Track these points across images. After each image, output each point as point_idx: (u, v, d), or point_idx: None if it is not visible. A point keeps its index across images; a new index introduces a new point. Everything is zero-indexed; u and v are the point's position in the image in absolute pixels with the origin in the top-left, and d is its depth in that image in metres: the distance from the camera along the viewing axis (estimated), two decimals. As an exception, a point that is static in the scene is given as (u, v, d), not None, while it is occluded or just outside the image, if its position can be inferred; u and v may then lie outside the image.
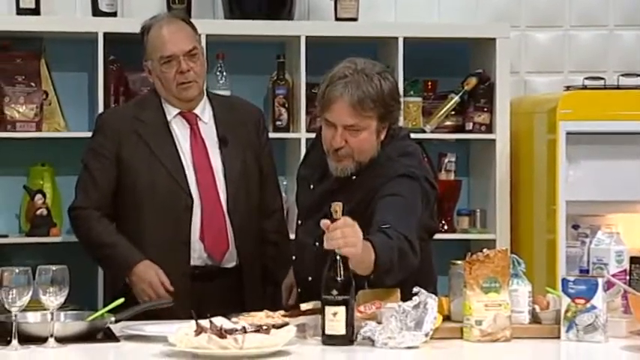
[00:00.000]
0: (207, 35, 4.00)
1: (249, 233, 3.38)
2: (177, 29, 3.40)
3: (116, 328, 2.76)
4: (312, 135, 4.16)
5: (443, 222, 4.31)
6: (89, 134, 4.08)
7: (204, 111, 3.42)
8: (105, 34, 4.01)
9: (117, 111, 3.66)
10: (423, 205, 2.99)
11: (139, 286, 3.23)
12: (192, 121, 3.40)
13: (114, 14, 4.13)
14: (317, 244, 2.90)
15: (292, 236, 3.36)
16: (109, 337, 2.72)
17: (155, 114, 3.39)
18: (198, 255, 3.31)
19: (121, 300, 2.85)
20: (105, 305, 2.95)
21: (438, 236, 4.23)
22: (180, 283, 3.25)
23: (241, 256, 3.35)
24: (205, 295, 3.25)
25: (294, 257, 3.19)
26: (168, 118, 3.39)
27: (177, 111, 3.39)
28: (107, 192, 3.35)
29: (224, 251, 3.33)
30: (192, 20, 4.12)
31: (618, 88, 4.04)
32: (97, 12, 4.11)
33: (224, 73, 4.11)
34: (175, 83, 3.35)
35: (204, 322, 2.52)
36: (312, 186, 3.13)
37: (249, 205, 3.40)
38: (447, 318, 2.79)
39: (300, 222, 3.18)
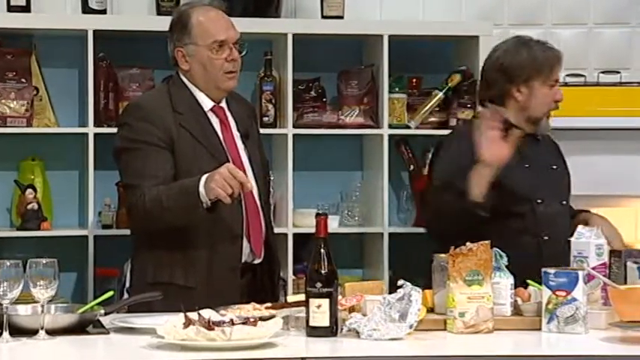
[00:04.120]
0: (195, 32, 3.99)
1: (270, 228, 3.32)
2: (223, 16, 3.26)
3: (106, 321, 2.75)
4: (300, 131, 4.19)
5: (427, 216, 4.32)
6: (79, 130, 4.11)
7: (225, 105, 3.31)
8: (94, 31, 4.00)
9: (153, 100, 3.29)
10: None
11: (212, 185, 2.96)
12: (221, 115, 3.28)
13: (103, 12, 4.12)
14: (564, 202, 3.42)
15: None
16: (99, 329, 2.71)
17: (190, 105, 3.23)
18: (244, 251, 3.21)
19: (111, 293, 2.84)
20: (95, 298, 2.94)
21: (422, 230, 4.28)
22: (231, 278, 3.14)
23: (268, 251, 3.28)
24: (244, 292, 3.15)
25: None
26: (206, 109, 3.25)
27: (212, 104, 3.25)
28: (169, 180, 3.13)
29: (261, 246, 3.25)
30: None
31: (598, 84, 4.05)
32: (86, 9, 4.10)
33: (212, 70, 4.10)
34: (222, 71, 3.19)
35: (193, 315, 2.51)
36: (527, 165, 3.39)
37: (267, 199, 3.37)
38: (430, 310, 2.79)
39: (540, 200, 3.36)
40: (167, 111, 3.20)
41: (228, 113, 3.32)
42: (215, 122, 3.26)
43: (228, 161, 3.18)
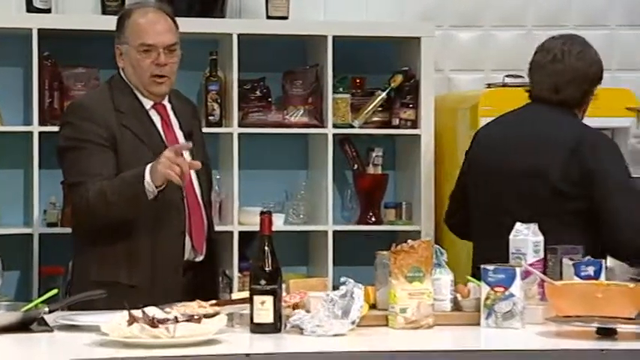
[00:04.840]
0: (140, 32, 3.98)
1: (212, 226, 3.32)
2: (163, 20, 3.24)
3: (50, 319, 2.72)
4: (245, 130, 4.19)
5: (370, 214, 4.34)
6: (24, 128, 4.07)
7: (167, 104, 3.30)
8: (39, 30, 3.96)
9: (96, 100, 3.27)
10: None
11: (159, 168, 2.97)
12: (163, 113, 3.26)
13: (48, 10, 4.08)
14: None
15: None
16: (43, 327, 2.69)
17: (132, 104, 3.22)
18: (187, 249, 3.20)
19: (55, 291, 2.81)
20: (40, 296, 2.91)
21: (365, 228, 4.31)
22: (173, 276, 3.13)
23: (210, 249, 3.27)
24: (186, 290, 3.12)
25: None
26: (147, 107, 3.24)
27: (152, 102, 3.24)
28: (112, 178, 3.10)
29: (203, 244, 3.24)
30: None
31: (537, 85, 4.08)
32: (31, 8, 4.06)
33: (158, 69, 4.08)
34: (149, 74, 3.18)
35: (137, 312, 2.50)
36: None
37: (209, 198, 3.36)
38: (373, 306, 2.80)
39: None
40: (109, 110, 3.19)
41: (170, 112, 3.30)
42: (157, 120, 3.25)
43: None
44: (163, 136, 3.24)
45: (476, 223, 3.42)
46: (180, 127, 3.30)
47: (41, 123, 4.00)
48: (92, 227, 3.16)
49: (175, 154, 2.99)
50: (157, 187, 3.02)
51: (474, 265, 3.29)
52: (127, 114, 3.20)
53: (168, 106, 3.31)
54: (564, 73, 3.32)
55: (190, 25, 4.05)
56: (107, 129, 3.15)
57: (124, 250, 3.14)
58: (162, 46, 3.21)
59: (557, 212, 3.22)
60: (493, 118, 3.53)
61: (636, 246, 3.21)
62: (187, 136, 3.29)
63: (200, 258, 3.26)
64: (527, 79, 4.15)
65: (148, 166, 3.02)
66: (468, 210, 3.45)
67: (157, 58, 3.20)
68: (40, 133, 3.98)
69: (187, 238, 3.21)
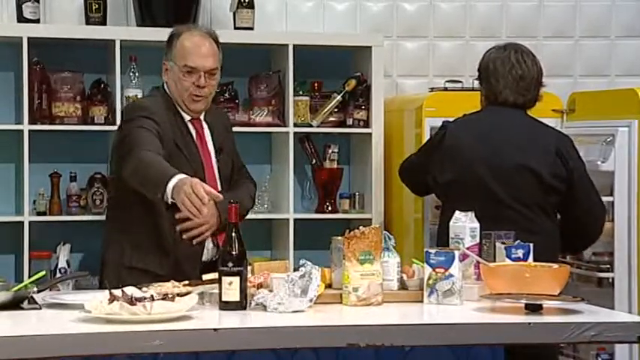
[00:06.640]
0: (121, 40, 3.96)
1: None
2: (208, 44, 3.18)
3: (39, 297, 2.71)
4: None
5: (327, 204, 4.35)
6: (15, 127, 4.03)
7: (203, 121, 3.26)
8: (29, 38, 3.92)
9: (151, 101, 3.22)
10: None
11: (181, 194, 2.80)
12: (199, 128, 3.23)
13: (37, 21, 4.04)
14: None
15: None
16: (33, 305, 2.67)
17: (174, 115, 3.17)
18: (208, 250, 3.18)
19: (42, 273, 2.80)
20: (29, 278, 2.89)
21: (323, 216, 4.32)
22: (193, 274, 3.04)
23: None
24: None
25: None
26: (186, 119, 3.20)
27: (190, 117, 3.21)
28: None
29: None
30: (107, 27, 4.08)
31: (473, 90, 4.11)
32: (21, 19, 4.02)
33: (136, 74, 4.06)
34: (188, 93, 3.15)
35: (117, 291, 2.49)
36: None
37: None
38: (328, 286, 2.81)
39: None
40: (162, 115, 3.14)
41: (205, 128, 3.26)
42: (193, 133, 3.22)
43: (203, 169, 3.15)
44: (199, 148, 3.20)
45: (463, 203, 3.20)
46: (213, 142, 3.25)
47: (31, 122, 3.96)
48: (125, 216, 3.12)
49: (200, 195, 2.76)
50: (172, 199, 2.88)
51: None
52: (170, 121, 3.15)
53: (204, 123, 3.26)
54: (526, 78, 3.36)
55: (165, 34, 4.02)
56: (160, 124, 3.09)
57: (154, 243, 3.11)
58: (204, 69, 3.17)
59: (543, 204, 3.29)
60: (456, 118, 3.51)
61: (599, 231, 3.43)
62: (218, 151, 3.25)
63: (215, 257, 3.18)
64: (466, 85, 4.21)
65: (174, 179, 2.84)
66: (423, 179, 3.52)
67: (198, 80, 3.16)
68: (30, 132, 3.94)
69: (210, 241, 3.17)
